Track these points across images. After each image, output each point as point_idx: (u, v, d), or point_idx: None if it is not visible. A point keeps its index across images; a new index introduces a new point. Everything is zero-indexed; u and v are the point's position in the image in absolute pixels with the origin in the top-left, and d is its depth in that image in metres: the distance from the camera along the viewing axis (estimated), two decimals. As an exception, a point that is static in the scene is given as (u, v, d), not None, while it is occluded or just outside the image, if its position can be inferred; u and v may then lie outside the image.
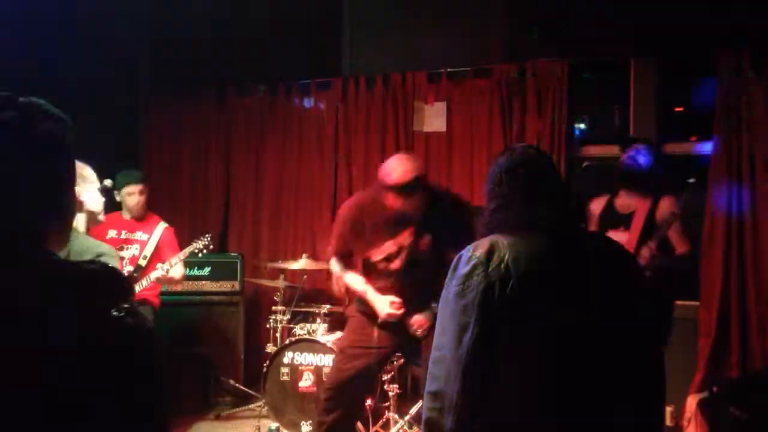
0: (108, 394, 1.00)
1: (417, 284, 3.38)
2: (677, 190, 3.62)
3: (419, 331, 3.39)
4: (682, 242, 3.49)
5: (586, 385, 1.60)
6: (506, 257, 1.60)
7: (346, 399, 3.45)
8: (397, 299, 3.37)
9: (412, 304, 3.42)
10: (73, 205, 1.19)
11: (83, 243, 2.39)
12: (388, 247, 3.37)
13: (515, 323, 1.59)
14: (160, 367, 1.12)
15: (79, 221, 2.44)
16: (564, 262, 1.68)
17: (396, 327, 3.39)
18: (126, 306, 1.05)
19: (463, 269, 1.63)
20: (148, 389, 1.08)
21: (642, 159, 3.60)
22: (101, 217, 2.80)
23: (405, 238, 3.39)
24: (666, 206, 3.48)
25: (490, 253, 1.62)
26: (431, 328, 3.25)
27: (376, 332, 3.42)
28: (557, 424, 1.59)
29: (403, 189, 3.17)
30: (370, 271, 3.48)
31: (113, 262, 2.38)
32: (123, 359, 1.03)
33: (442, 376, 1.61)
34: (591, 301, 1.64)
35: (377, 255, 3.38)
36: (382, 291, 3.42)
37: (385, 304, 3.36)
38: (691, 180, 3.59)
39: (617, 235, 3.59)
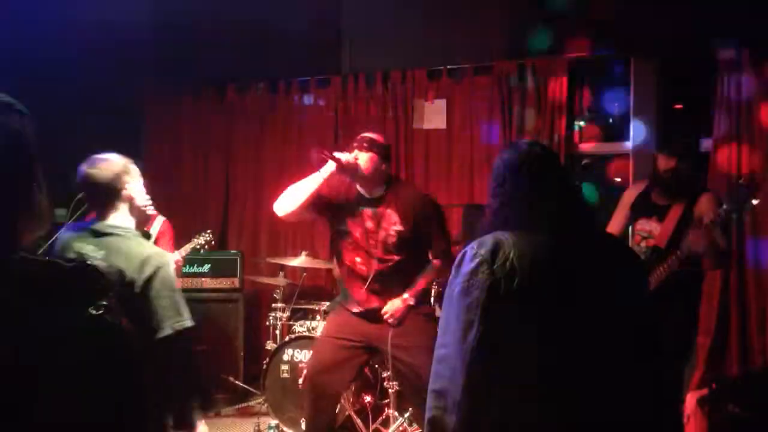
0: (85, 391, 1.00)
1: (382, 275, 3.23)
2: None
3: (390, 319, 3.20)
4: (722, 238, 3.26)
5: (591, 383, 1.59)
6: (511, 255, 1.59)
7: (321, 390, 3.31)
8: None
9: (374, 298, 3.27)
10: (43, 198, 1.15)
11: (130, 246, 2.23)
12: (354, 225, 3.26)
13: (520, 321, 1.58)
14: (139, 364, 1.11)
15: (125, 217, 2.37)
16: (569, 260, 1.66)
17: (372, 320, 3.25)
18: (104, 303, 1.04)
19: (468, 266, 1.62)
20: (126, 386, 1.07)
21: (681, 169, 3.38)
22: (150, 210, 2.72)
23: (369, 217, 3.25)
24: (706, 202, 3.30)
25: (495, 250, 1.61)
26: (403, 319, 3.20)
27: (353, 324, 3.30)
28: (562, 423, 1.58)
29: (367, 143, 3.15)
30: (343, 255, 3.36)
31: (166, 270, 2.21)
32: (100, 357, 1.03)
33: (446, 374, 1.60)
34: (596, 301, 1.63)
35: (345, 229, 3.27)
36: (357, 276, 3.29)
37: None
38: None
39: (649, 224, 3.46)
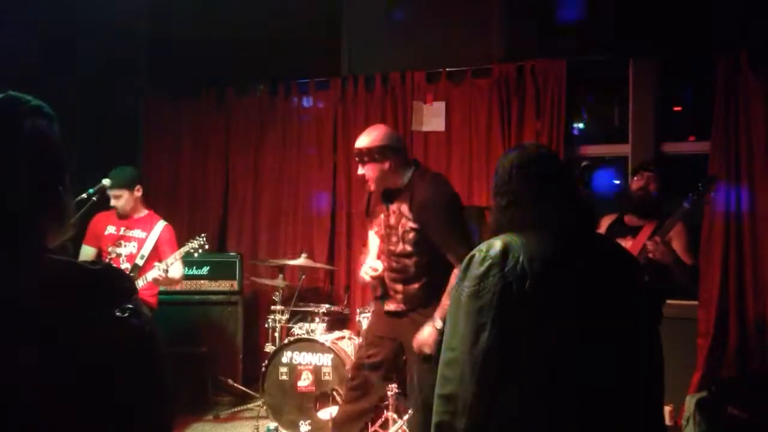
0: (111, 393, 1.00)
1: (399, 273, 3.15)
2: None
3: (420, 351, 3.03)
4: (688, 255, 3.50)
5: (602, 385, 1.59)
6: (521, 258, 1.58)
7: (361, 386, 3.34)
8: (377, 266, 3.21)
9: (399, 297, 3.20)
10: (69, 200, 1.17)
11: None
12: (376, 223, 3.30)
13: (531, 324, 1.57)
14: (163, 367, 1.11)
15: None
16: (577, 262, 1.66)
17: (399, 316, 3.20)
18: (130, 306, 1.04)
19: (478, 270, 1.61)
20: (151, 389, 1.08)
21: (653, 187, 3.64)
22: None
23: (378, 218, 3.25)
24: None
25: (504, 253, 1.60)
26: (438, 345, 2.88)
27: (385, 319, 3.26)
28: (574, 425, 1.57)
29: (358, 157, 3.13)
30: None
31: None
32: (126, 359, 1.03)
33: (455, 378, 1.58)
34: (603, 302, 1.63)
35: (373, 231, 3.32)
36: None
37: (366, 266, 3.23)
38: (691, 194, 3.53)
39: (624, 242, 3.58)
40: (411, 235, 3.06)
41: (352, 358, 4.14)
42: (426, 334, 3.00)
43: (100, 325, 1.02)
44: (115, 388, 1.01)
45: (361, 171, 3.15)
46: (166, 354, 1.14)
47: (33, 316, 0.98)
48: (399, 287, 3.17)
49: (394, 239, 3.13)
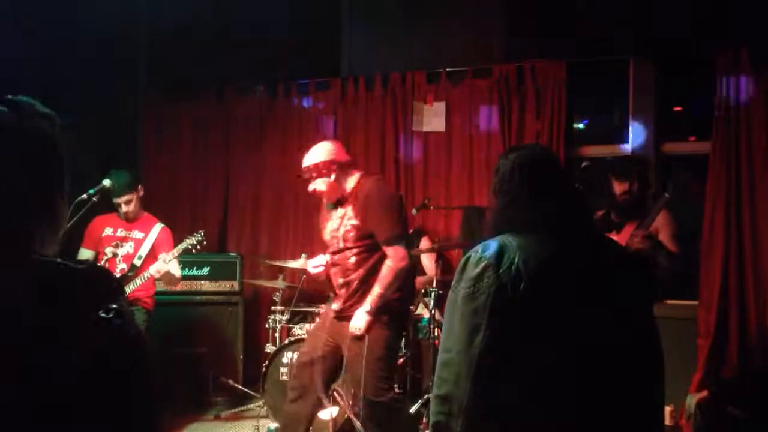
0: (95, 395, 0.99)
1: (340, 272, 3.42)
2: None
3: (357, 332, 3.29)
4: (673, 244, 3.43)
5: (601, 386, 1.59)
6: (516, 259, 1.58)
7: (302, 383, 3.47)
8: (321, 261, 3.50)
9: (342, 293, 3.42)
10: (64, 206, 1.17)
11: None
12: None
13: (526, 325, 1.57)
14: (149, 367, 1.10)
15: None
16: (574, 263, 1.66)
17: (341, 318, 3.40)
18: (114, 307, 1.03)
19: (473, 271, 1.61)
20: (137, 390, 1.06)
21: (636, 187, 3.59)
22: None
23: (325, 227, 3.53)
24: (660, 217, 3.43)
25: (500, 254, 1.60)
26: (367, 331, 3.25)
27: (331, 322, 3.46)
28: (573, 426, 1.57)
29: (307, 174, 3.40)
30: None
31: None
32: (110, 360, 1.02)
33: (451, 378, 1.58)
34: (600, 303, 1.63)
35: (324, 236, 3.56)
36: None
37: (312, 262, 3.54)
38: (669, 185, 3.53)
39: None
40: (351, 233, 3.33)
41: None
42: (358, 317, 3.28)
43: (83, 325, 1.01)
44: (99, 390, 1.00)
45: (312, 187, 3.41)
46: (153, 355, 1.13)
47: (16, 317, 0.98)
48: (340, 281, 3.41)
49: (334, 242, 3.42)
